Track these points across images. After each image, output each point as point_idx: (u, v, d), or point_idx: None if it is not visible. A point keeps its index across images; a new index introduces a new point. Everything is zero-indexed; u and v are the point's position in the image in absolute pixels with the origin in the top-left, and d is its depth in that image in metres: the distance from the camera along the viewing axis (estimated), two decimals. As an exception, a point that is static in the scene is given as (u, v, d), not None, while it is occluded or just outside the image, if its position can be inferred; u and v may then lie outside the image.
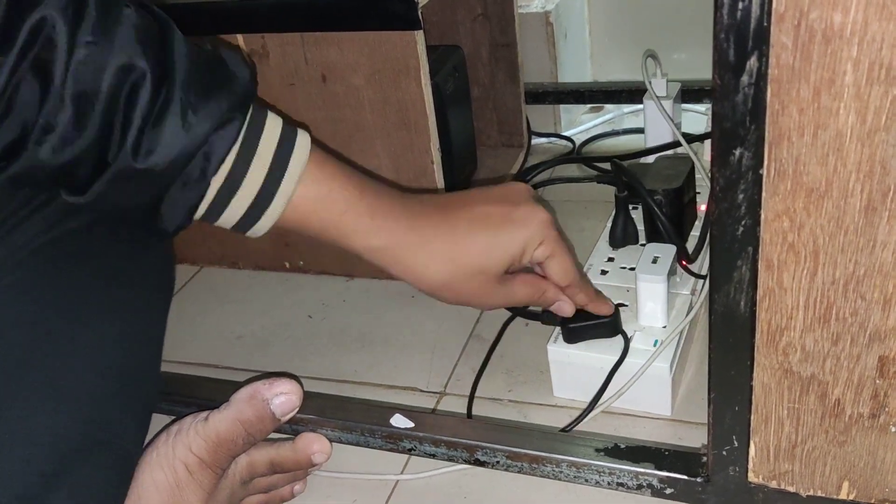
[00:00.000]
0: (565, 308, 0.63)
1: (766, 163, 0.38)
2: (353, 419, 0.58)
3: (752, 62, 0.36)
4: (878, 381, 0.41)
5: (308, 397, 0.58)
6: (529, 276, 0.61)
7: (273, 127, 0.49)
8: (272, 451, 0.59)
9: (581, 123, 1.18)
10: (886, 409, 0.42)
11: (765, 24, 0.35)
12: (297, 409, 0.57)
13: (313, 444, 0.58)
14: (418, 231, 0.55)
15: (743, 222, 0.39)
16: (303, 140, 0.51)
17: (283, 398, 0.56)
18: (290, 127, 0.51)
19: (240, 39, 0.82)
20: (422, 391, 0.73)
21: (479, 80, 1.08)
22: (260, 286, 0.92)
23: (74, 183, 0.45)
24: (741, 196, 0.39)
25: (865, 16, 0.33)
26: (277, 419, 0.56)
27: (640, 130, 0.97)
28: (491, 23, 1.05)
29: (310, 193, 0.51)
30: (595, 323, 0.66)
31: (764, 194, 0.38)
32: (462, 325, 0.80)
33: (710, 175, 0.39)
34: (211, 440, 0.55)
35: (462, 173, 1.00)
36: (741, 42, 0.35)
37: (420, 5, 0.75)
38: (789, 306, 0.41)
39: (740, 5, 0.35)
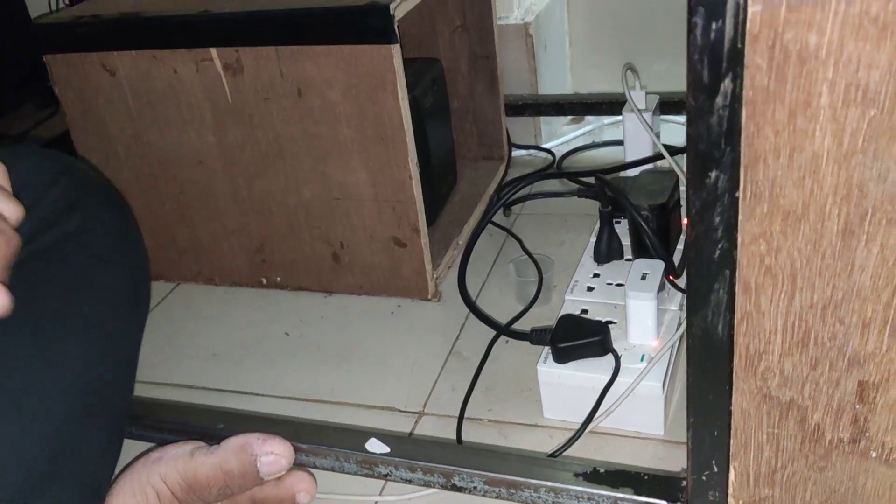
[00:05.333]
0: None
1: (741, 185, 0.37)
2: (328, 444, 0.56)
3: (727, 84, 0.35)
4: (857, 406, 0.40)
5: (282, 422, 0.57)
6: None
7: None
8: (255, 489, 0.57)
9: (562, 135, 1.17)
10: (867, 434, 0.41)
11: (739, 45, 0.34)
12: (284, 472, 0.54)
13: (299, 483, 0.56)
14: None
15: (720, 245, 0.39)
16: None
17: (272, 458, 0.53)
18: None
19: (213, 53, 0.81)
20: (400, 411, 0.71)
21: (459, 93, 1.07)
22: (236, 303, 0.91)
23: None
24: (717, 219, 0.38)
25: (841, 36, 0.32)
26: (261, 478, 0.54)
27: (621, 142, 0.96)
28: (470, 35, 1.04)
29: None
30: (585, 342, 0.65)
31: (740, 217, 0.38)
32: (441, 342, 0.79)
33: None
34: (187, 479, 0.53)
35: (442, 186, 0.99)
36: (715, 63, 0.34)
37: (397, 19, 0.74)
38: (767, 330, 0.40)
39: (714, 26, 0.34)
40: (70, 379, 0.50)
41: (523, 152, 1.14)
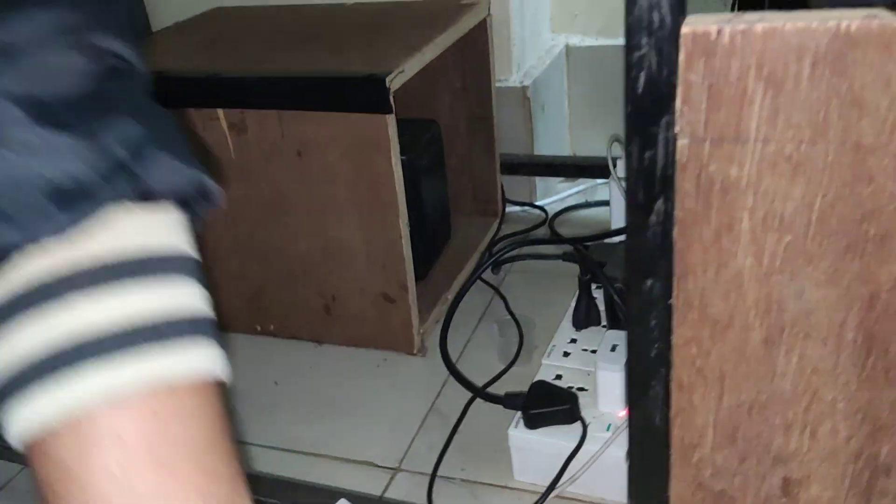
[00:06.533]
0: None
1: (674, 293, 0.40)
2: (301, 501, 0.60)
3: (660, 204, 0.38)
4: (783, 500, 0.43)
5: (258, 479, 0.60)
6: None
7: None
8: None
9: (556, 192, 1.21)
10: (793, 525, 0.44)
11: (669, 172, 0.37)
12: None
13: None
14: None
15: (656, 346, 0.42)
16: None
17: None
18: None
19: (220, 113, 0.85)
20: (377, 466, 0.74)
21: (457, 151, 1.11)
22: (231, 349, 0.94)
23: None
24: (653, 322, 0.41)
25: (759, 171, 0.36)
26: None
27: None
28: (469, 96, 1.08)
29: None
30: (554, 410, 0.68)
31: (674, 322, 0.41)
32: (423, 399, 0.82)
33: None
34: None
35: (436, 241, 1.03)
36: (649, 186, 0.38)
37: (392, 90, 0.78)
38: (700, 425, 0.43)
39: (647, 154, 0.37)
40: None
41: (517, 208, 1.18)
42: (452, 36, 0.94)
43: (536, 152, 1.18)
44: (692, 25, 0.34)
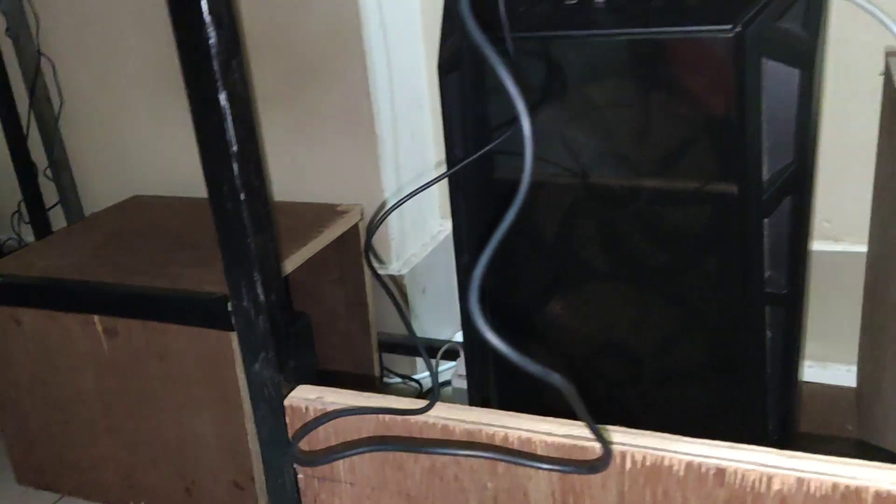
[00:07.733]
0: None
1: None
2: None
3: (293, 517, 0.49)
4: None
5: None
6: None
7: None
8: None
9: (436, 366, 1.32)
10: None
11: (296, 496, 0.48)
12: None
13: None
14: None
15: None
16: None
17: None
18: None
19: (96, 319, 0.98)
20: None
21: (337, 331, 1.23)
22: (102, 524, 1.04)
23: None
24: None
25: (353, 501, 0.47)
26: None
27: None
28: (346, 285, 1.21)
29: None
30: None
31: None
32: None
33: None
34: None
35: (305, 421, 1.13)
36: (283, 502, 0.49)
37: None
38: None
39: (278, 481, 0.48)
40: None
41: (398, 380, 1.28)
42: (315, 247, 1.07)
43: (418, 332, 1.29)
44: (291, 400, 0.46)
